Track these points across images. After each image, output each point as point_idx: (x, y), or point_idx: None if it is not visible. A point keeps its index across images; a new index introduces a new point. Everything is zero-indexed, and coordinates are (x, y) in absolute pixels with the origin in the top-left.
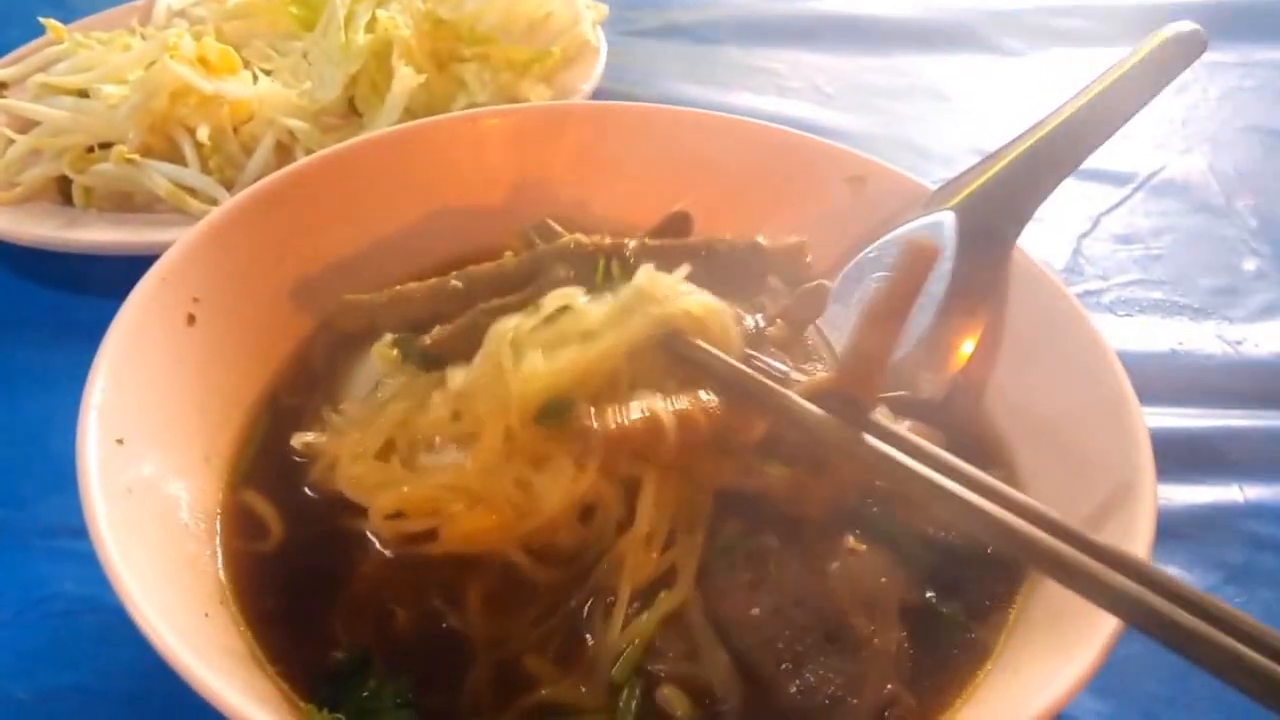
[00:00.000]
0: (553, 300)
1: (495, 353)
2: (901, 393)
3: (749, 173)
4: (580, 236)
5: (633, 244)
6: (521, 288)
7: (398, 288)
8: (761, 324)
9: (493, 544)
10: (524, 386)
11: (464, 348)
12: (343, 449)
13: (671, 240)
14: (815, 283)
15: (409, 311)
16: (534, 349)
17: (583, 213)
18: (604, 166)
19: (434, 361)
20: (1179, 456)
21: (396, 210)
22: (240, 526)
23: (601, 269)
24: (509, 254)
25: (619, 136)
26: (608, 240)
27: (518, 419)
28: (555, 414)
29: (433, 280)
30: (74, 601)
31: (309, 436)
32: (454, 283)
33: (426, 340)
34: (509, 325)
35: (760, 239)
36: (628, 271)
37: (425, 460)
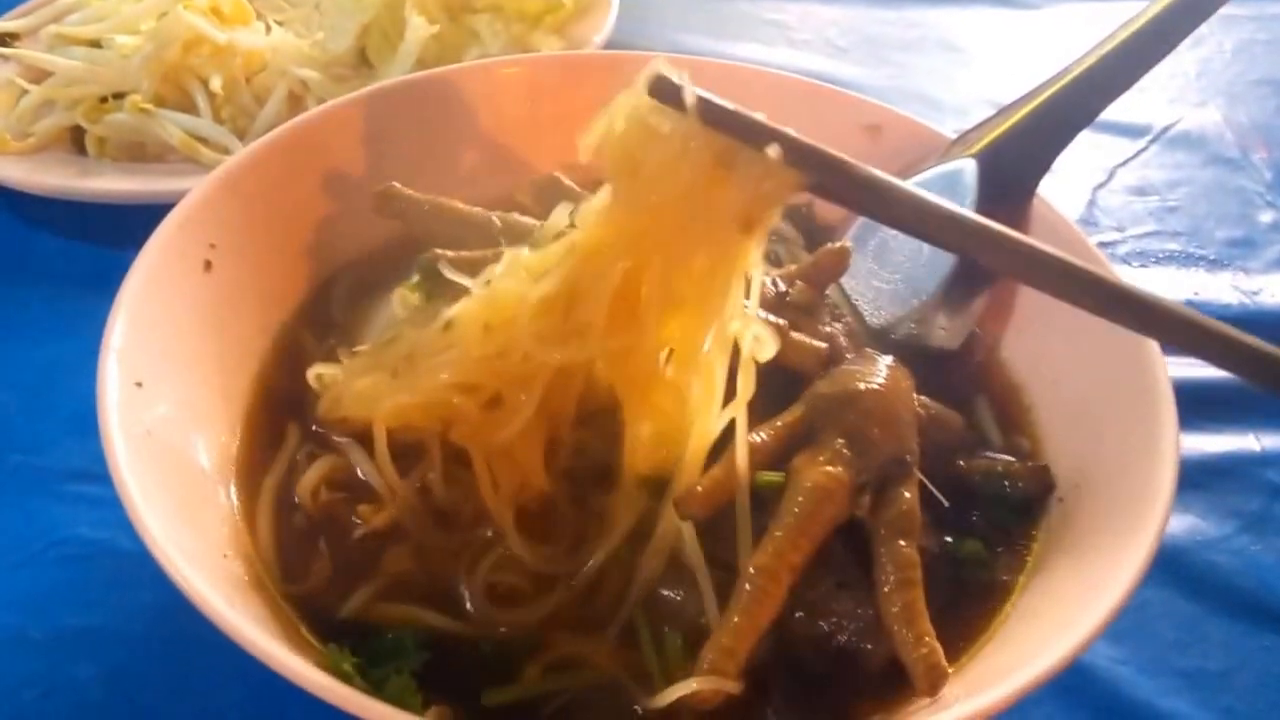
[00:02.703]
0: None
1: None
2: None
3: None
4: None
5: None
6: None
7: (443, 199)
8: (782, 287)
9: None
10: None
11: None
12: (348, 372)
13: None
14: (839, 244)
15: (442, 226)
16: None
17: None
18: None
19: (445, 284)
20: (1196, 406)
21: (409, 159)
22: (255, 469)
23: None
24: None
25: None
26: None
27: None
28: None
29: (478, 210)
30: (90, 545)
31: (321, 368)
32: (495, 219)
33: (450, 254)
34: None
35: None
36: None
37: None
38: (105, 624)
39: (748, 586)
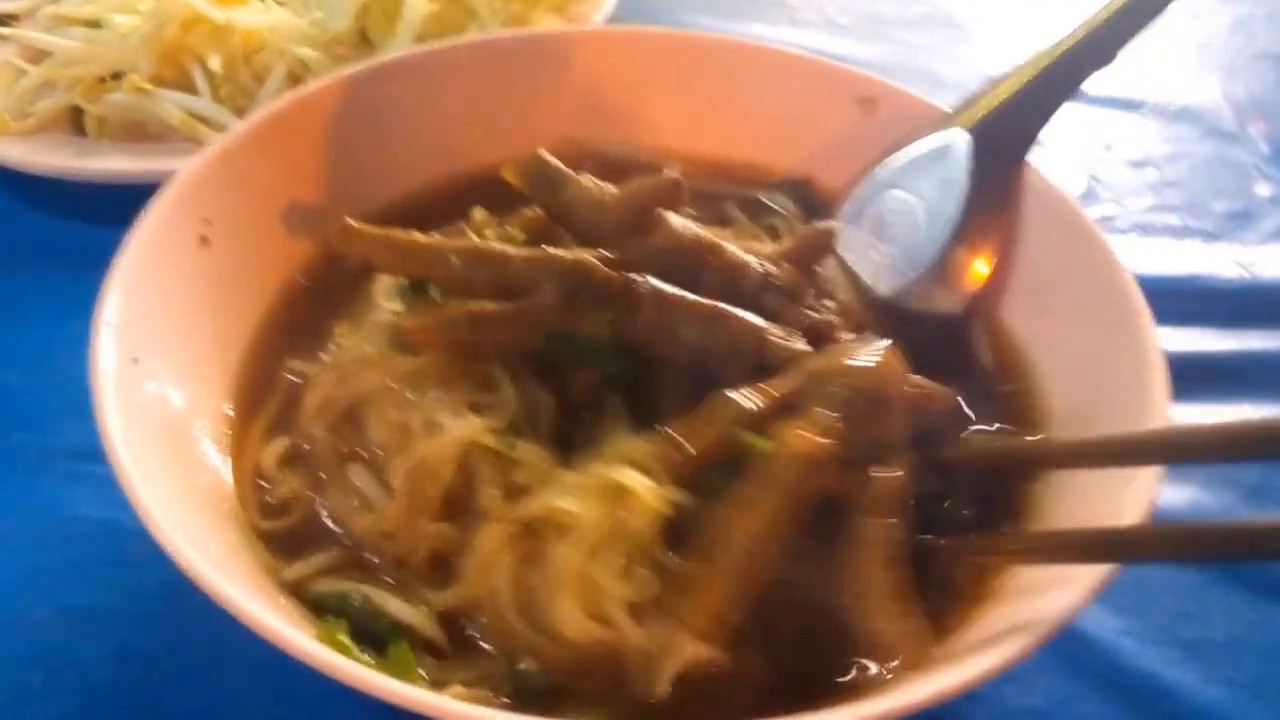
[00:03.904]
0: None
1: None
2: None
3: (759, 95)
4: (590, 261)
5: (646, 286)
6: (517, 295)
7: (398, 234)
8: (769, 269)
9: None
10: None
11: (438, 341)
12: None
13: (683, 256)
14: (824, 224)
15: (401, 264)
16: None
17: (593, 135)
18: (614, 90)
19: (408, 347)
20: (1194, 377)
21: (406, 133)
22: (250, 445)
23: (606, 322)
24: (518, 232)
25: (628, 61)
26: (619, 276)
27: None
28: None
29: (435, 241)
30: (93, 524)
31: (299, 364)
32: (453, 258)
33: (405, 324)
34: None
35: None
36: (632, 318)
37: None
38: (111, 603)
39: (732, 549)
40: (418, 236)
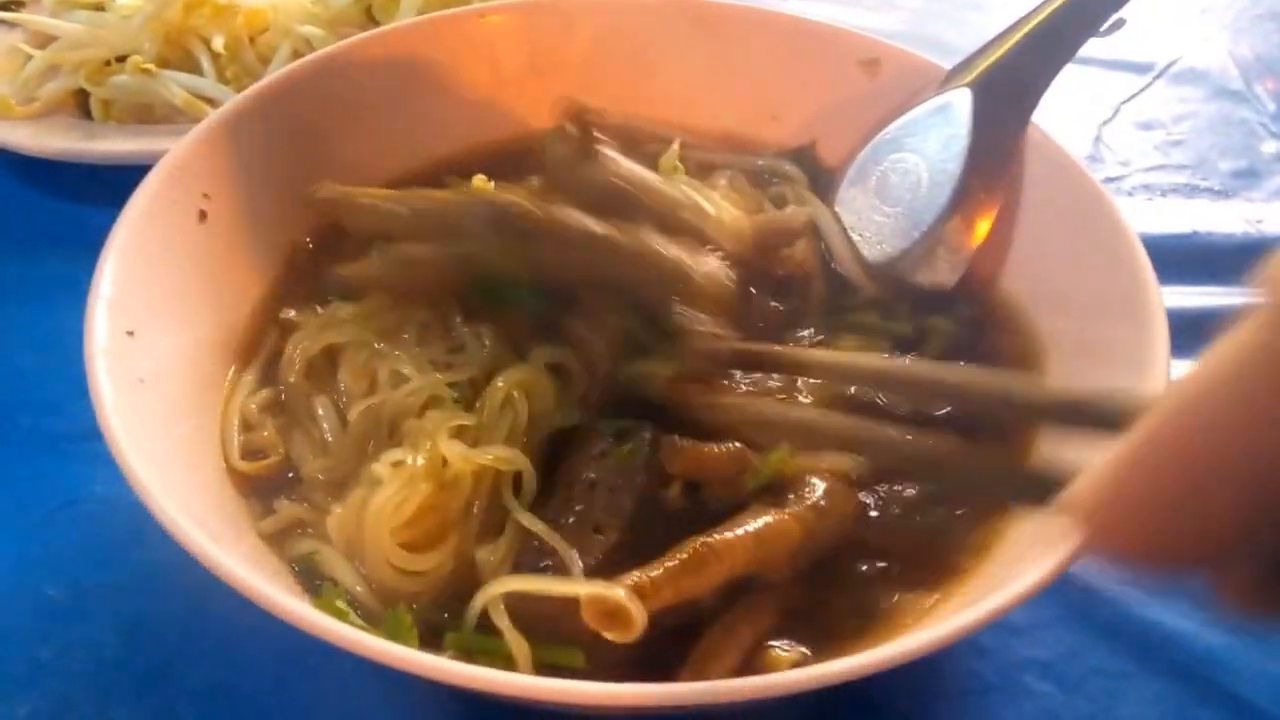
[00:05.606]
0: None
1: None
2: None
3: (761, 60)
4: (515, 200)
5: (574, 224)
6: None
7: (356, 191)
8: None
9: None
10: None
11: (372, 284)
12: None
13: None
14: (793, 212)
15: (363, 221)
16: None
17: (596, 104)
18: (616, 59)
19: (349, 294)
20: (1202, 333)
21: (406, 106)
22: (249, 417)
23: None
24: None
25: (630, 29)
26: (544, 215)
27: None
28: None
29: (387, 194)
30: (104, 503)
31: (291, 313)
32: (402, 209)
33: (341, 271)
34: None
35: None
36: (561, 257)
37: None
38: (121, 580)
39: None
40: (373, 192)
